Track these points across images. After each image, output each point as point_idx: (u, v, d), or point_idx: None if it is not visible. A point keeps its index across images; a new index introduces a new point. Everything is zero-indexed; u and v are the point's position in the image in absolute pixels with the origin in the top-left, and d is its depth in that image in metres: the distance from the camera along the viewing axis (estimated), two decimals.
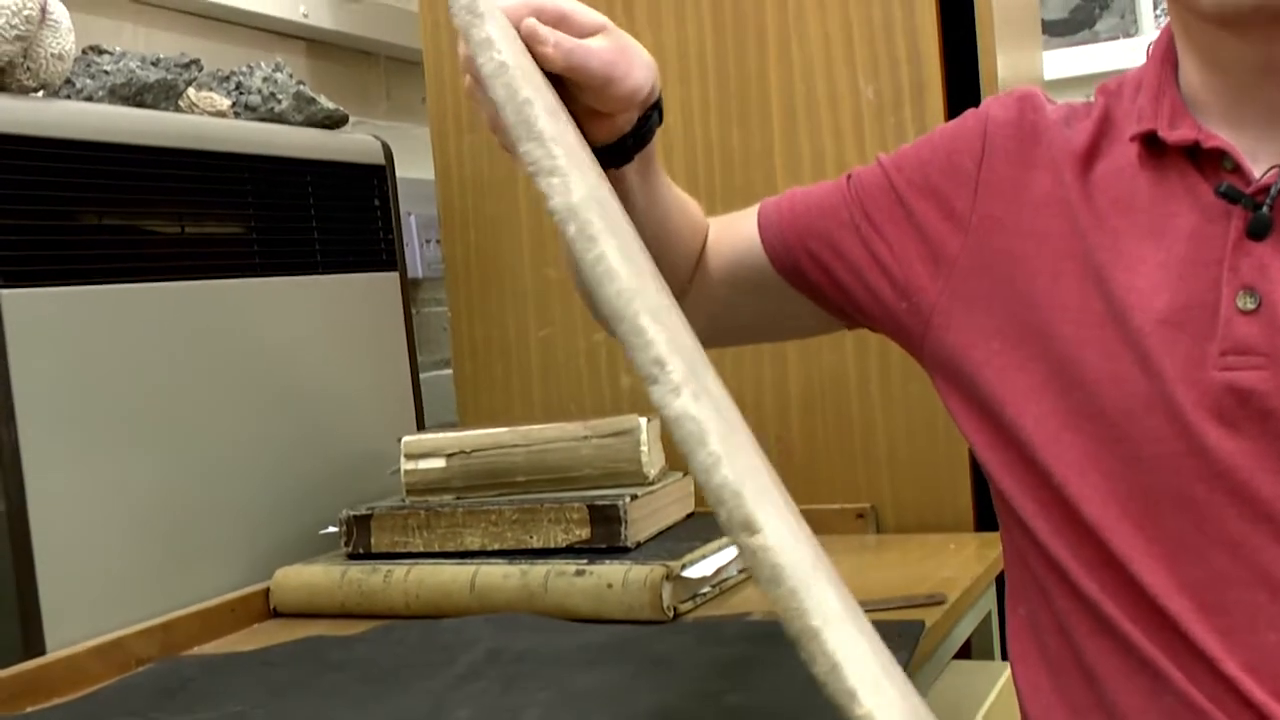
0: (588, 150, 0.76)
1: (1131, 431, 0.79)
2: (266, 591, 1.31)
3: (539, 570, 1.19)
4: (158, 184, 1.27)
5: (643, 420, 1.31)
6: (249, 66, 1.48)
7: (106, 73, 1.28)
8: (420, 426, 1.62)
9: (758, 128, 1.49)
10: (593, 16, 0.77)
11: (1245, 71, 0.80)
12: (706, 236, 1.00)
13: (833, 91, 1.45)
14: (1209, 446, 0.77)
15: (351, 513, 1.33)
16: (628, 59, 0.77)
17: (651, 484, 1.30)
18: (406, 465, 1.35)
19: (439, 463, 1.34)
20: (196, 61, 1.37)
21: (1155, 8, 2.56)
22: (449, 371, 1.72)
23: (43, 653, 1.12)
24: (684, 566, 1.17)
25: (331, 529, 1.36)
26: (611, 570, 1.16)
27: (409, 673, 1.04)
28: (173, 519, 1.26)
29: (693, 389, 0.53)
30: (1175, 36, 0.85)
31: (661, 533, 1.30)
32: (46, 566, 1.13)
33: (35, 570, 1.12)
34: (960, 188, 0.89)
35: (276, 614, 1.31)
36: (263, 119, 1.46)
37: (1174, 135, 0.81)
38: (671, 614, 1.14)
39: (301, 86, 1.49)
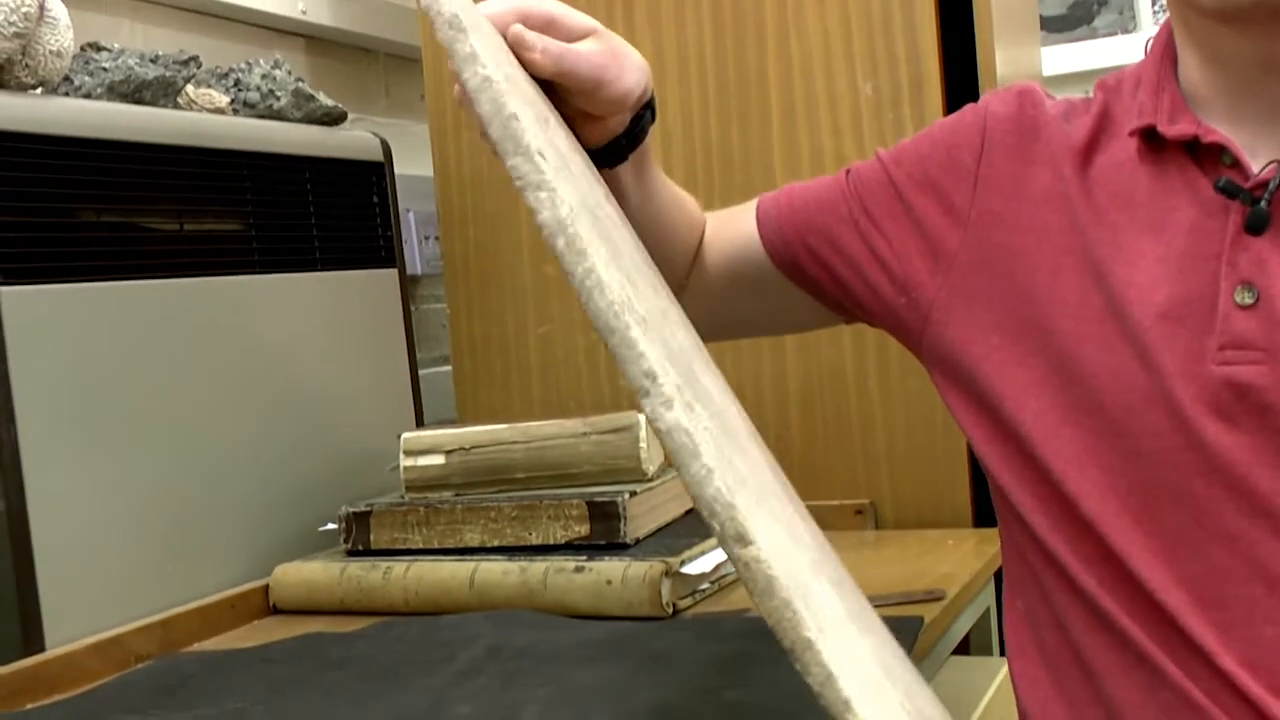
0: (581, 154, 0.76)
1: (1130, 426, 0.79)
2: (266, 588, 1.31)
3: (538, 567, 1.19)
4: (156, 181, 1.27)
5: (641, 417, 1.31)
6: (248, 63, 1.48)
7: (105, 70, 1.28)
8: (419, 423, 1.62)
9: (757, 125, 1.49)
10: (581, 20, 0.76)
11: (1245, 67, 0.80)
12: (704, 232, 1.00)
13: (831, 88, 1.45)
14: (1207, 441, 0.77)
15: (351, 509, 1.33)
16: (618, 62, 0.77)
17: (650, 480, 1.30)
18: (406, 462, 1.35)
19: (438, 459, 1.34)
20: (195, 58, 1.37)
21: (1154, 3, 2.56)
22: (448, 368, 1.72)
23: (42, 650, 1.12)
24: (683, 563, 1.17)
25: (331, 526, 1.37)
26: (611, 567, 1.16)
27: (409, 669, 1.05)
28: (172, 516, 1.26)
29: (686, 399, 0.53)
30: (1175, 32, 0.85)
31: (660, 529, 1.30)
32: (46, 563, 1.13)
33: (35, 567, 1.12)
34: (959, 183, 0.89)
35: (276, 611, 1.31)
36: (261, 116, 1.46)
37: (1173, 130, 0.81)
38: (670, 610, 1.14)
39: (300, 83, 1.49)
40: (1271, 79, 0.79)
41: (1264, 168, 0.78)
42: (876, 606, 1.08)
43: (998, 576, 1.28)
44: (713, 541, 1.24)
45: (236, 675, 1.07)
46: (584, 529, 1.24)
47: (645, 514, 1.27)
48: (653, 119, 0.84)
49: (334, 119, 1.54)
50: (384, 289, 1.59)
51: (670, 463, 1.38)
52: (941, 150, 0.91)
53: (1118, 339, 0.80)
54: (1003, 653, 1.36)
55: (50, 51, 1.18)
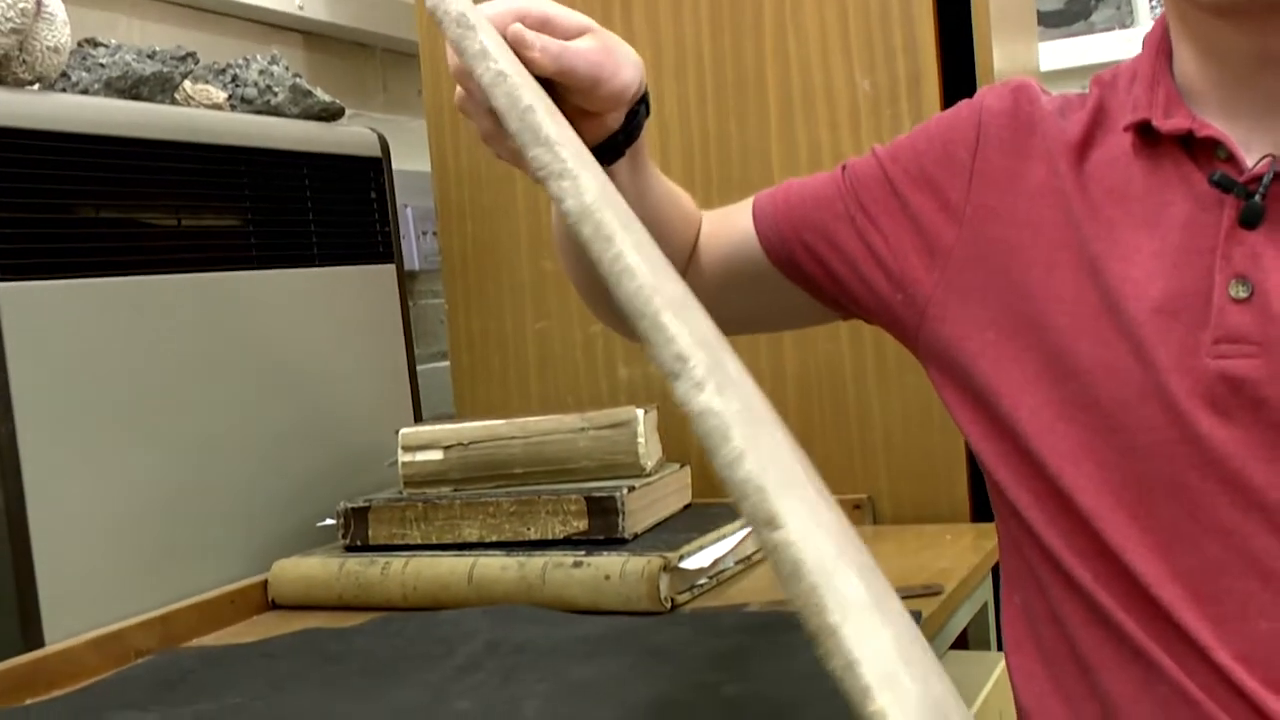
0: (586, 152, 0.77)
1: (1125, 421, 0.79)
2: (265, 584, 1.32)
3: (537, 562, 1.20)
4: (154, 177, 1.27)
5: (639, 412, 1.31)
6: (245, 59, 1.48)
7: (102, 65, 1.28)
8: (418, 419, 1.62)
9: (754, 120, 1.49)
10: (577, 19, 0.77)
11: (1241, 61, 0.80)
12: (700, 229, 1.00)
13: (829, 84, 1.45)
14: (1201, 435, 0.77)
15: (349, 505, 1.33)
16: (614, 58, 0.77)
17: (649, 475, 1.30)
18: (404, 457, 1.35)
19: (436, 455, 1.34)
20: (192, 54, 1.37)
21: None
22: (446, 364, 1.72)
23: (41, 645, 1.12)
24: (681, 558, 1.17)
25: (329, 521, 1.37)
26: (609, 562, 1.17)
27: (407, 665, 1.05)
28: (171, 511, 1.26)
29: (716, 383, 0.53)
30: (1171, 26, 0.85)
31: (659, 524, 1.30)
32: (45, 559, 1.13)
33: (33, 563, 1.12)
34: (955, 178, 0.89)
35: (275, 606, 1.31)
36: (259, 111, 1.46)
37: (1168, 124, 0.81)
38: (669, 605, 1.15)
39: (298, 79, 1.49)
40: (1267, 73, 0.79)
41: (1258, 162, 0.78)
42: None
43: (995, 571, 1.28)
44: (711, 536, 1.24)
45: (236, 670, 1.08)
46: (582, 524, 1.24)
47: (643, 509, 1.27)
48: (647, 114, 0.84)
49: (331, 114, 1.54)
50: (382, 284, 1.59)
51: (669, 458, 1.39)
52: (937, 146, 0.91)
53: (1113, 334, 0.80)
54: (1000, 647, 1.37)
55: (47, 47, 1.18)
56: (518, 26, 0.73)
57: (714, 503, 1.37)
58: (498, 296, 1.64)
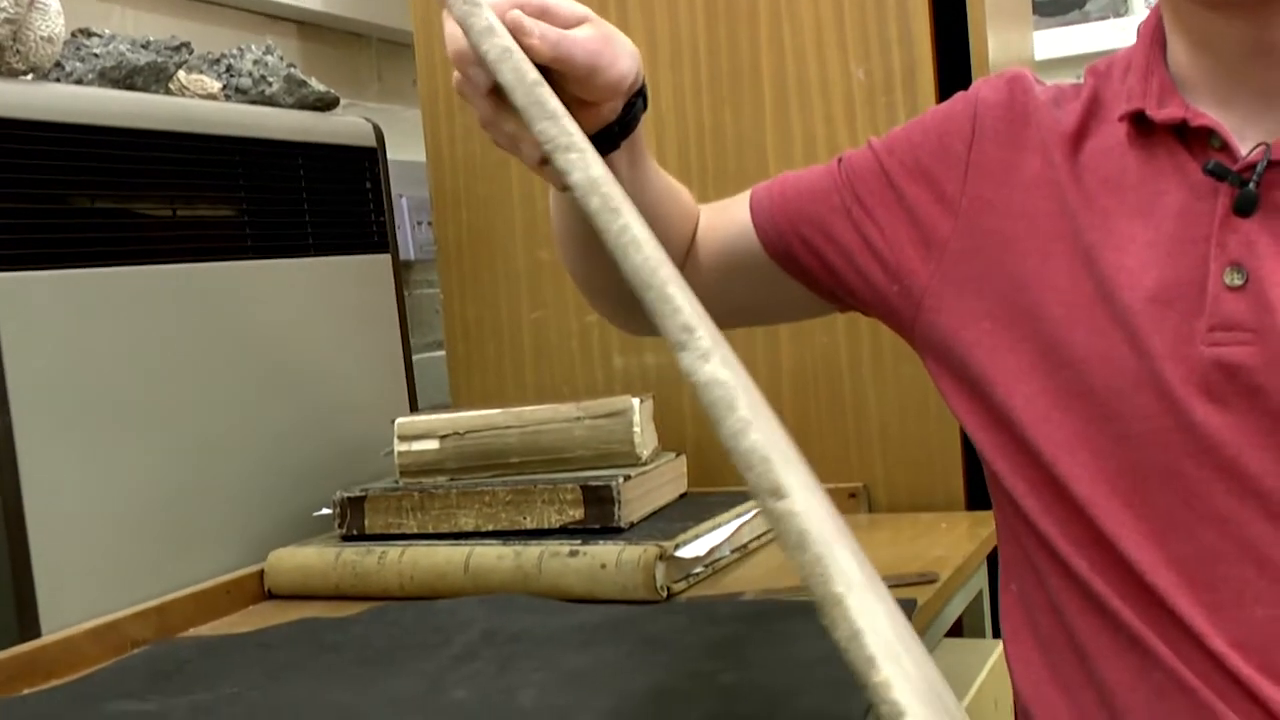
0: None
1: (1120, 409, 0.80)
2: (261, 573, 1.32)
3: (533, 551, 1.20)
4: (149, 167, 1.27)
5: (635, 401, 1.31)
6: (239, 49, 1.48)
7: (96, 55, 1.28)
8: (413, 408, 1.62)
9: (750, 111, 1.49)
10: (575, 8, 0.77)
11: (1234, 52, 0.80)
12: (697, 223, 1.00)
13: (824, 74, 1.45)
14: (1197, 422, 0.77)
15: (345, 494, 1.33)
16: (612, 48, 0.77)
17: (644, 464, 1.30)
18: (400, 447, 1.35)
19: (432, 444, 1.34)
20: (187, 44, 1.37)
21: None
22: (441, 353, 1.72)
23: (38, 635, 1.12)
24: (677, 546, 1.18)
25: (325, 511, 1.37)
26: (605, 550, 1.17)
27: (404, 654, 1.05)
28: (167, 501, 1.27)
29: (721, 355, 0.54)
30: (1164, 17, 0.85)
31: (655, 513, 1.30)
32: (41, 549, 1.13)
33: (30, 553, 1.12)
34: (950, 170, 0.89)
35: (271, 596, 1.32)
36: (254, 102, 1.46)
37: (1162, 114, 0.81)
38: (665, 594, 1.15)
39: (292, 69, 1.49)
40: (1259, 64, 0.79)
41: (1252, 150, 0.78)
42: None
43: (990, 559, 1.29)
44: (707, 525, 1.24)
45: (232, 660, 1.08)
46: (578, 513, 1.24)
47: (639, 498, 1.27)
48: (645, 106, 0.84)
49: (326, 104, 1.54)
50: (377, 274, 1.59)
51: (664, 447, 1.39)
52: (933, 138, 0.91)
53: (1107, 323, 0.80)
54: (995, 635, 1.37)
55: (41, 37, 1.18)
56: (516, 13, 0.73)
57: (710, 492, 1.37)
58: (493, 286, 1.64)
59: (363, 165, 1.57)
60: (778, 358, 1.49)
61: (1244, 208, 0.78)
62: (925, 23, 1.41)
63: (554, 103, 0.62)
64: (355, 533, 1.32)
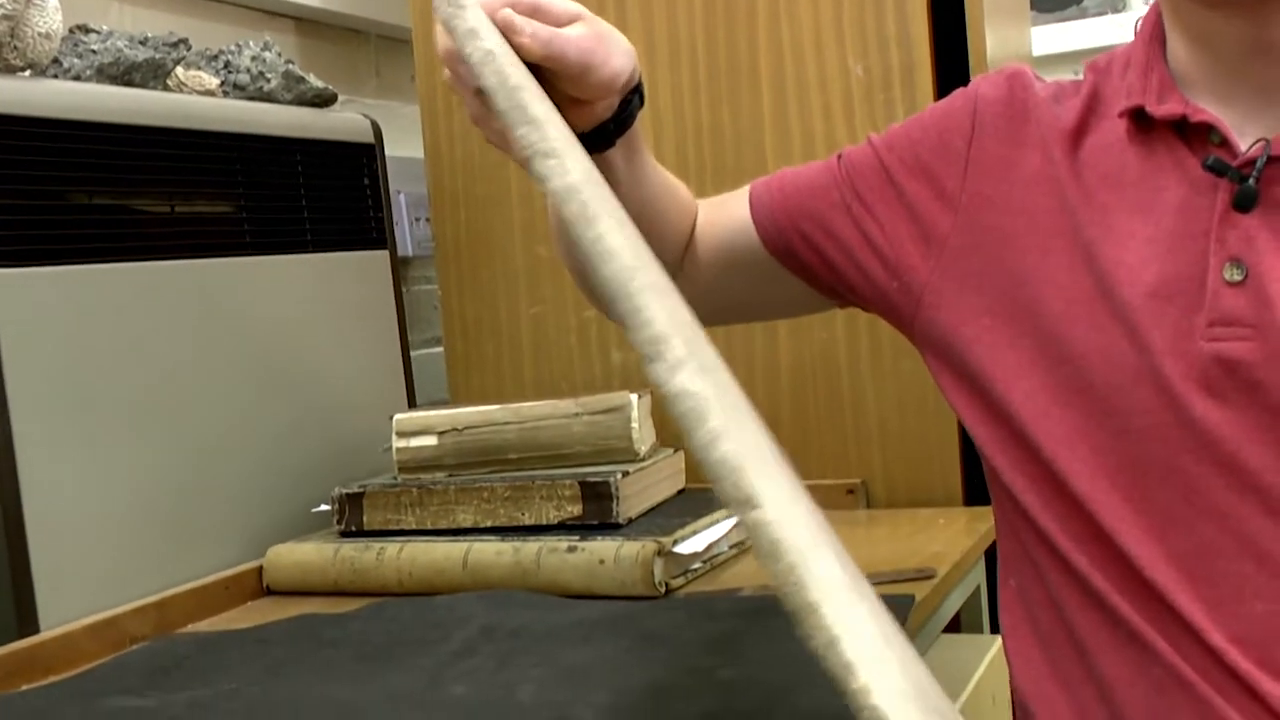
0: (573, 136, 0.76)
1: (1120, 405, 0.80)
2: (260, 570, 1.32)
3: (531, 547, 1.20)
4: (147, 163, 1.27)
5: (633, 397, 1.31)
6: (237, 45, 1.48)
7: (94, 52, 1.28)
8: (412, 404, 1.62)
9: (748, 107, 1.49)
10: (569, 6, 0.77)
11: (1233, 49, 0.80)
12: (695, 219, 1.00)
13: (822, 70, 1.45)
14: (1196, 418, 0.77)
15: (344, 490, 1.33)
16: (605, 46, 0.77)
17: (643, 460, 1.30)
18: (398, 443, 1.35)
19: (431, 440, 1.34)
20: (185, 40, 1.37)
21: None
22: (440, 350, 1.72)
23: (37, 631, 1.12)
24: (675, 542, 1.18)
25: (324, 507, 1.37)
26: (603, 546, 1.17)
27: (403, 650, 1.05)
28: (165, 497, 1.27)
29: (693, 366, 0.53)
30: (1163, 14, 0.85)
31: (653, 509, 1.30)
32: (40, 545, 1.13)
33: (29, 549, 1.12)
34: (950, 166, 0.90)
35: (270, 592, 1.32)
36: (251, 98, 1.45)
37: (1162, 110, 0.81)
38: (663, 590, 1.15)
39: (290, 65, 1.49)
40: (1259, 61, 0.80)
41: (1252, 146, 0.78)
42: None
43: (988, 555, 1.29)
44: (705, 521, 1.24)
45: (231, 656, 1.08)
46: (576, 509, 1.24)
47: (637, 494, 1.27)
48: (641, 103, 0.84)
49: (324, 101, 1.54)
50: (375, 270, 1.59)
51: (663, 443, 1.39)
52: (932, 134, 0.92)
53: (1107, 318, 0.81)
54: (994, 630, 1.37)
55: (39, 33, 1.18)
56: (508, 11, 0.73)
57: (708, 487, 1.37)
58: (491, 282, 1.64)
59: (361, 162, 1.57)
60: (776, 354, 1.49)
61: (1244, 203, 0.78)
62: (923, 20, 1.41)
63: (536, 107, 0.61)
64: (354, 529, 1.32)
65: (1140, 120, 0.83)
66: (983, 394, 0.86)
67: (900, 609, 1.01)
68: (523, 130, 0.61)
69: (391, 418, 1.37)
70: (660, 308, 0.55)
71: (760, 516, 0.50)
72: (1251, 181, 0.78)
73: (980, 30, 1.41)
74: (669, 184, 0.96)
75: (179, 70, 1.37)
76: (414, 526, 1.30)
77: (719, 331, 1.47)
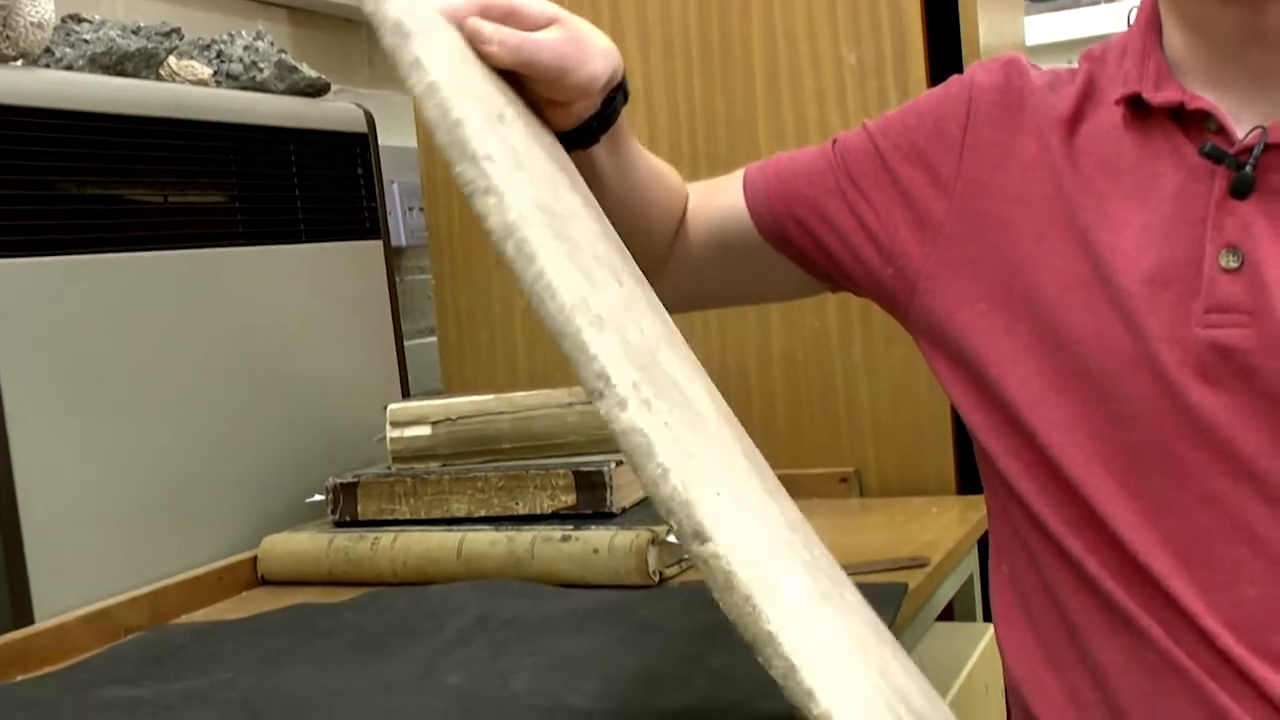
0: (545, 141, 0.75)
1: (1115, 390, 0.80)
2: (254, 560, 1.32)
3: (525, 536, 1.20)
4: (140, 153, 1.27)
5: None
6: (230, 35, 1.47)
7: (86, 41, 1.27)
8: (405, 394, 1.62)
9: (741, 94, 1.49)
10: (545, 8, 0.76)
11: (1229, 37, 0.80)
12: (685, 203, 1.00)
13: (815, 57, 1.45)
14: (1192, 404, 0.78)
15: (338, 480, 1.33)
16: (582, 49, 0.76)
17: None
18: (392, 433, 1.35)
19: (425, 430, 1.34)
20: (177, 30, 1.36)
21: None
22: (433, 339, 1.72)
23: (31, 622, 1.12)
24: (669, 531, 1.18)
25: (318, 497, 1.37)
26: (597, 536, 1.17)
27: (398, 639, 1.05)
28: (159, 488, 1.26)
29: (643, 397, 0.53)
30: (1160, 2, 0.85)
31: (647, 498, 1.30)
32: (34, 536, 1.13)
33: (23, 540, 1.12)
34: (945, 153, 0.90)
35: (264, 582, 1.31)
36: (244, 88, 1.45)
37: (1159, 97, 0.82)
38: (657, 578, 1.15)
39: (283, 55, 1.49)
40: (1255, 48, 0.80)
41: (1249, 133, 0.79)
42: (861, 573, 1.09)
43: (981, 543, 1.29)
44: None
45: (226, 646, 1.08)
46: (570, 498, 1.24)
47: (631, 483, 1.27)
48: (625, 100, 0.84)
49: (317, 90, 1.54)
50: (368, 260, 1.58)
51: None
52: (928, 121, 0.92)
53: (1103, 304, 0.81)
54: (986, 619, 1.38)
55: (31, 23, 1.17)
56: (474, 22, 0.72)
57: None
58: (485, 272, 1.64)
59: (354, 151, 1.56)
60: (768, 342, 1.49)
61: (1240, 190, 0.78)
62: (915, 6, 1.41)
63: (475, 143, 0.60)
64: (348, 519, 1.32)
65: (1137, 107, 0.83)
66: (977, 380, 0.87)
67: (893, 597, 1.02)
68: (461, 168, 0.60)
69: (385, 408, 1.37)
70: (607, 341, 0.55)
71: (710, 550, 0.50)
72: (1248, 168, 0.78)
73: (973, 19, 1.41)
74: (657, 171, 0.96)
75: (171, 60, 1.37)
76: (408, 516, 1.30)
77: (711, 318, 1.48)
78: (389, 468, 1.35)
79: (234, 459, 1.35)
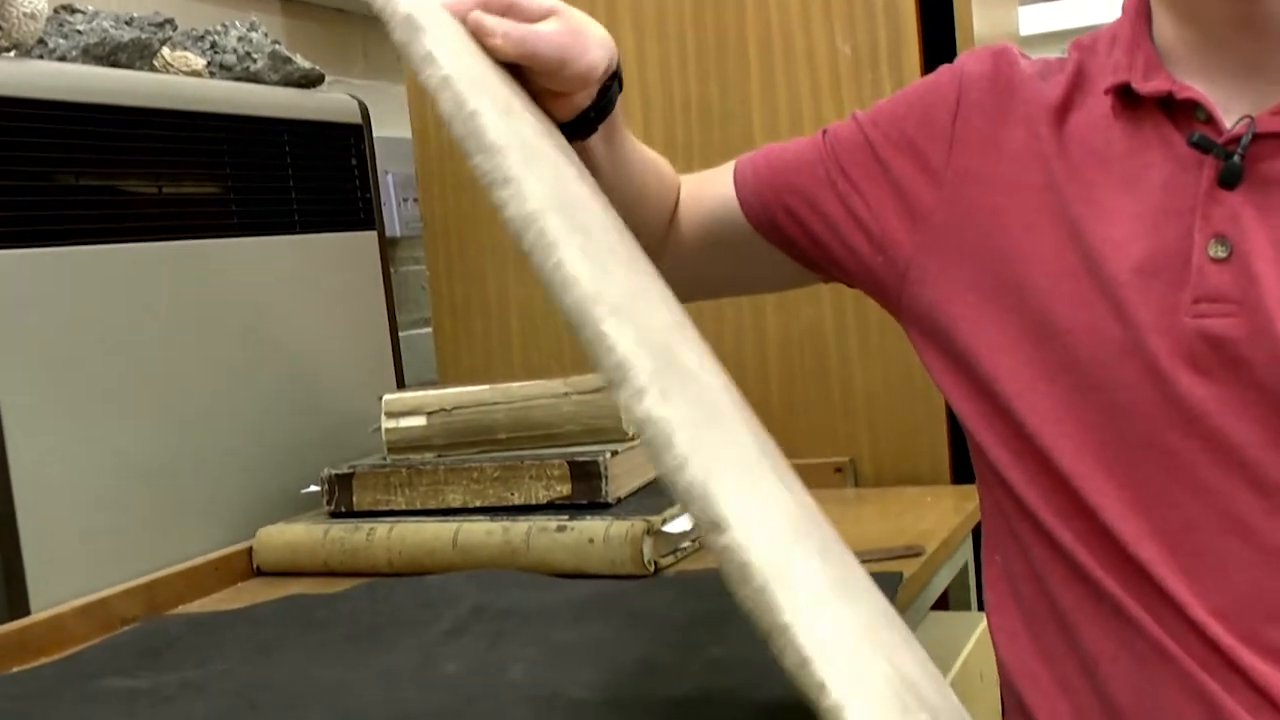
0: (550, 133, 0.76)
1: (1105, 380, 0.80)
2: (249, 550, 1.32)
3: (521, 527, 1.20)
4: (134, 144, 1.27)
5: None
6: (224, 25, 1.47)
7: (80, 32, 1.27)
8: (400, 385, 1.63)
9: (736, 84, 1.49)
10: (542, 1, 0.77)
11: (1218, 25, 0.80)
12: (678, 195, 1.01)
13: (810, 48, 1.45)
14: (1181, 394, 0.78)
15: (333, 471, 1.33)
16: (581, 40, 0.77)
17: (632, 440, 1.30)
18: (388, 423, 1.35)
19: (420, 420, 1.34)
20: (170, 21, 1.36)
21: None
22: (428, 330, 1.72)
23: (27, 613, 1.12)
24: (664, 522, 1.18)
25: (313, 488, 1.37)
26: (593, 526, 1.17)
27: (394, 630, 1.05)
28: (155, 479, 1.27)
29: (661, 387, 0.53)
30: None
31: (642, 488, 1.31)
32: (30, 527, 1.13)
33: (18, 531, 1.12)
34: (936, 142, 0.90)
35: (260, 573, 1.32)
36: (238, 78, 1.45)
37: (1148, 86, 0.82)
38: (652, 569, 1.15)
39: (277, 46, 1.49)
40: (1244, 36, 0.80)
41: (1237, 123, 0.79)
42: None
43: (975, 532, 1.29)
44: None
45: (222, 637, 1.08)
46: (566, 489, 1.25)
47: (627, 473, 1.27)
48: (619, 90, 0.84)
49: (311, 81, 1.53)
50: (363, 251, 1.58)
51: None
52: (918, 110, 0.92)
53: (1093, 294, 0.81)
54: (981, 607, 1.38)
55: (24, 14, 1.17)
56: (477, 14, 0.73)
57: None
58: (479, 262, 1.64)
59: (348, 142, 1.56)
60: (763, 333, 1.49)
61: (1229, 180, 0.78)
62: None
63: (492, 134, 0.61)
64: (343, 509, 1.33)
65: (1126, 97, 0.83)
66: (968, 370, 0.87)
67: (889, 586, 1.02)
68: (478, 159, 0.60)
69: (380, 398, 1.37)
70: (625, 331, 0.55)
71: (728, 541, 0.50)
72: (1236, 158, 0.78)
73: (967, 9, 1.41)
74: (651, 162, 0.96)
75: (165, 51, 1.36)
76: (403, 507, 1.30)
77: (706, 309, 1.48)
78: (384, 458, 1.35)
79: (229, 449, 1.35)
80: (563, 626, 1.02)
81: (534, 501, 1.26)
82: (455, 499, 1.29)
